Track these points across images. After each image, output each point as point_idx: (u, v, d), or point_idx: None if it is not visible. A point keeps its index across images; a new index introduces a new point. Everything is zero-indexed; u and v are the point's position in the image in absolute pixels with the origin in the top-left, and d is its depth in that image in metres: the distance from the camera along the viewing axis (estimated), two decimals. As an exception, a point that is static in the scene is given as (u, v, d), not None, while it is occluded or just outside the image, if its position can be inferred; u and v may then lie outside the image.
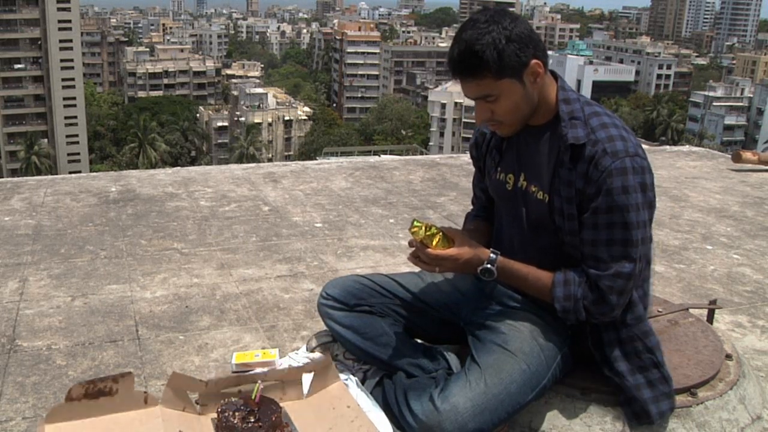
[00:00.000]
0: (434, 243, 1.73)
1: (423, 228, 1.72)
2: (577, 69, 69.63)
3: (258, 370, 2.16)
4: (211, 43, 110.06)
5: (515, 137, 1.85)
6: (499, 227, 1.98)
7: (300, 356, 2.15)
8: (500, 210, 1.96)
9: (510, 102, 1.69)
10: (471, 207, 2.18)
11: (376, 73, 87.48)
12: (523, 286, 1.83)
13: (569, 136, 1.69)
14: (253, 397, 1.73)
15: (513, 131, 1.79)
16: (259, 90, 66.33)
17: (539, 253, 1.83)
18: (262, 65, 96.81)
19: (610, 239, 1.67)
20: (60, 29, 55.93)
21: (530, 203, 1.81)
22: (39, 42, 56.28)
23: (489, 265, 1.76)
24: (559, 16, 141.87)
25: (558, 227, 1.76)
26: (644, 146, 1.77)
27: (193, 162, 54.25)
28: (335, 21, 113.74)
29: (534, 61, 1.66)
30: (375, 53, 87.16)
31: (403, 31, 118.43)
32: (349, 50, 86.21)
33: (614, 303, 1.70)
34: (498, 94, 1.67)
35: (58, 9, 55.86)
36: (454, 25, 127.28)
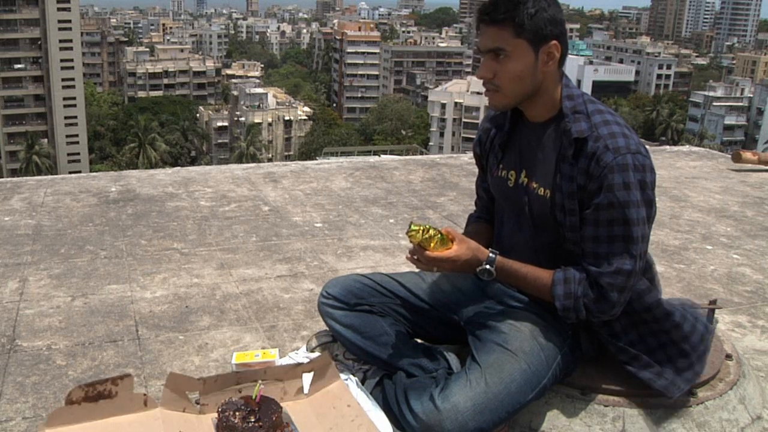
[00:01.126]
0: (432, 245, 1.73)
1: (420, 231, 1.71)
2: (577, 69, 69.62)
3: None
4: (211, 43, 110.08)
5: (517, 135, 1.86)
6: (500, 225, 1.98)
7: (300, 356, 2.15)
8: (501, 208, 1.96)
9: (517, 67, 1.69)
10: (472, 207, 2.18)
11: (376, 73, 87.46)
12: (522, 286, 1.83)
13: (573, 130, 1.70)
14: (253, 397, 1.73)
15: (506, 105, 1.79)
16: (259, 90, 66.31)
17: (540, 250, 1.83)
18: (262, 65, 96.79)
19: (611, 236, 1.68)
20: (60, 29, 55.94)
21: (532, 200, 1.81)
22: (39, 42, 56.29)
23: (488, 266, 1.76)
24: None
25: (559, 223, 1.76)
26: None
27: (193, 162, 54.26)
28: (335, 21, 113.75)
29: (554, 41, 1.69)
30: (375, 53, 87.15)
31: (403, 31, 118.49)
32: (349, 50, 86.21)
33: (615, 300, 1.71)
34: (510, 52, 1.68)
35: (58, 9, 55.87)
36: (454, 25, 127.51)
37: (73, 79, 57.60)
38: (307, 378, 1.89)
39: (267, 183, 4.77)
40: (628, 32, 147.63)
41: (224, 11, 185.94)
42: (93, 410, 1.68)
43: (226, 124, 65.03)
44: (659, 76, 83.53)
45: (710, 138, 60.79)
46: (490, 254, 1.77)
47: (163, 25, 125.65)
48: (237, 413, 1.68)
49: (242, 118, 61.73)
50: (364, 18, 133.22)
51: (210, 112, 67.22)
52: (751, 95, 67.36)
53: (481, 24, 1.72)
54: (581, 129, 1.70)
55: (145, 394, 1.76)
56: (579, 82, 67.67)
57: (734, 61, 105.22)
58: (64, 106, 56.92)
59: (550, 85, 1.75)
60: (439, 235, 1.73)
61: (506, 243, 1.93)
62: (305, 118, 65.49)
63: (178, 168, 5.37)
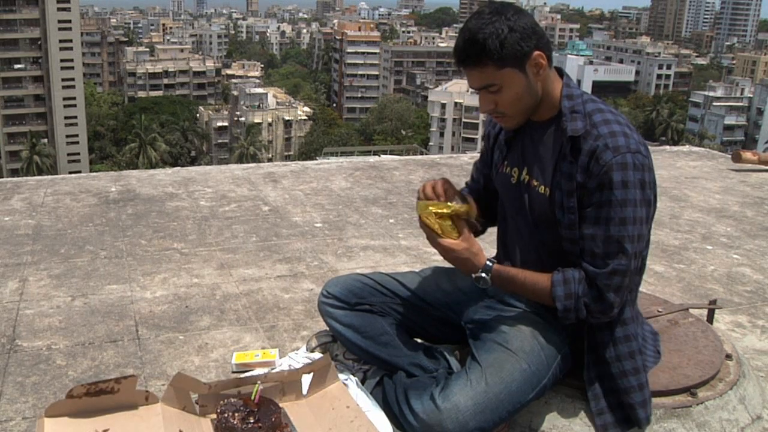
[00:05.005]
0: (443, 224, 1.79)
1: (433, 216, 1.79)
2: (577, 69, 69.64)
3: (258, 371, 2.16)
4: (211, 43, 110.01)
5: (521, 132, 1.87)
6: (503, 222, 1.98)
7: (300, 356, 2.15)
8: (504, 204, 1.97)
9: (512, 92, 1.70)
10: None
11: (376, 73, 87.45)
12: (521, 292, 1.83)
13: (569, 129, 1.71)
14: (252, 398, 1.73)
15: (516, 124, 1.81)
16: (259, 90, 66.30)
17: (541, 247, 1.84)
18: (262, 65, 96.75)
19: (608, 234, 1.67)
20: (60, 29, 55.93)
21: (532, 197, 1.82)
22: (39, 42, 56.28)
23: (483, 274, 1.78)
24: (559, 16, 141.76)
25: (558, 221, 1.76)
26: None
27: (193, 162, 54.24)
28: (335, 21, 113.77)
29: (537, 52, 1.68)
30: (375, 53, 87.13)
31: (403, 31, 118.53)
32: (349, 50, 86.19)
33: (612, 300, 1.70)
34: (501, 84, 1.69)
35: (58, 9, 55.85)
36: (454, 25, 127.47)
37: (73, 79, 57.57)
38: (306, 379, 1.89)
39: (267, 183, 4.77)
40: (628, 32, 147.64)
41: (224, 11, 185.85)
42: (93, 403, 1.67)
43: (226, 124, 65.00)
44: (659, 76, 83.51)
45: (710, 138, 60.79)
46: (487, 263, 1.78)
47: (163, 25, 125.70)
48: (236, 414, 1.68)
49: (242, 118, 61.71)
50: (364, 18, 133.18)
51: (210, 112, 67.19)
52: (751, 95, 67.34)
53: (461, 67, 1.73)
54: (576, 128, 1.70)
55: (147, 391, 1.76)
56: (579, 82, 67.65)
57: (734, 61, 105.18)
58: (64, 106, 56.89)
59: (549, 87, 1.76)
60: (450, 221, 1.79)
61: (508, 240, 1.93)
62: (305, 118, 65.47)
63: (178, 168, 5.37)
